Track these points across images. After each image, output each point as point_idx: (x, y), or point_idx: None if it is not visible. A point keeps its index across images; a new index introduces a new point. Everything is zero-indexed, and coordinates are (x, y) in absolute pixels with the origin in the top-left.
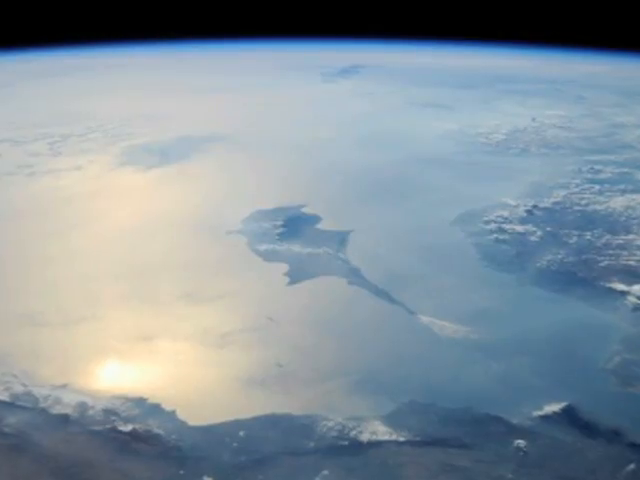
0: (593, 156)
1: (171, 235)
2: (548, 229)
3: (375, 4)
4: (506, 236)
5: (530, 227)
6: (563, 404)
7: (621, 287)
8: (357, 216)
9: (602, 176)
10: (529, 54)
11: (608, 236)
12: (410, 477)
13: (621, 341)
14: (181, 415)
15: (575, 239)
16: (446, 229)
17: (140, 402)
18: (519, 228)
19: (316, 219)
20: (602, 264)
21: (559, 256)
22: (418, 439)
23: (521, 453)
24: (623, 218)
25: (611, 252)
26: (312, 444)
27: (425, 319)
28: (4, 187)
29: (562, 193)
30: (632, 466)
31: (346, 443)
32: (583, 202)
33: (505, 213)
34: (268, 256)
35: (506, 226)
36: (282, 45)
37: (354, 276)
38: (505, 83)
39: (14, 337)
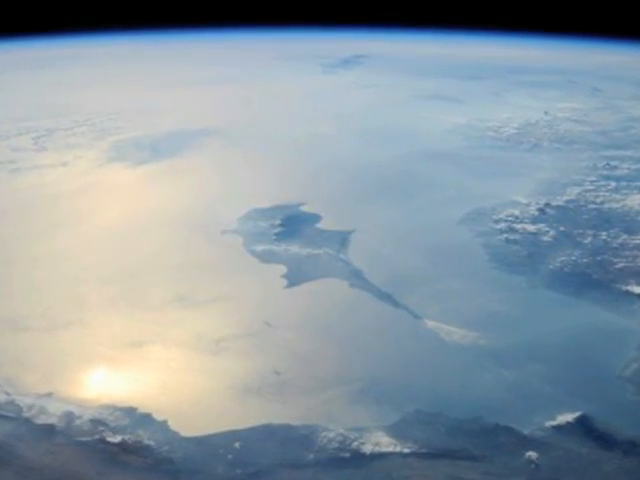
0: (609, 151)
1: (162, 235)
2: (561, 229)
3: None
4: (517, 236)
5: (542, 227)
6: (577, 414)
7: (638, 290)
8: (359, 215)
9: (618, 172)
10: (541, 43)
11: (625, 236)
12: None
13: (638, 347)
14: (173, 425)
15: (590, 239)
16: (453, 229)
17: (130, 412)
18: (530, 228)
19: (316, 218)
20: (618, 266)
21: (573, 257)
22: (424, 451)
23: (533, 465)
24: None
25: (628, 253)
26: (311, 456)
27: (431, 324)
28: None
29: (576, 191)
30: None
31: (347, 455)
32: (598, 200)
33: (516, 212)
34: (265, 257)
35: (517, 225)
36: (280, 34)
37: (356, 278)
38: (516, 74)
39: None
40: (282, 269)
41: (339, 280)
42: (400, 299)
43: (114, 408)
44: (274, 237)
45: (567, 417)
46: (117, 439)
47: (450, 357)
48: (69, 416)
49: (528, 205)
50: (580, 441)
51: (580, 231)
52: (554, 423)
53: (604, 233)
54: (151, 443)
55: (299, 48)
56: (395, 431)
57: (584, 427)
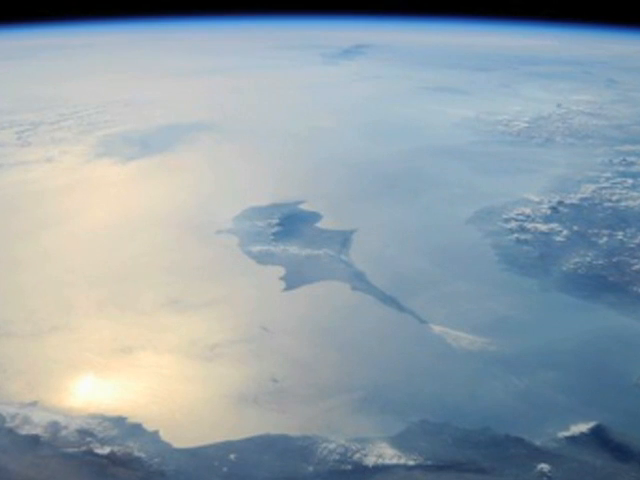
0: (625, 146)
1: (154, 235)
2: (575, 228)
3: None
4: (528, 236)
5: (555, 226)
6: (592, 424)
7: None
8: (361, 214)
9: (635, 169)
10: (554, 32)
11: None
12: None
13: None
14: (165, 436)
15: (605, 239)
16: (461, 228)
17: (119, 421)
18: (542, 227)
19: (316, 217)
20: (635, 267)
21: (587, 258)
22: (430, 463)
23: (545, 478)
24: None
25: None
26: (311, 468)
27: (438, 329)
28: None
29: (591, 188)
30: None
31: (349, 467)
32: (614, 198)
33: (527, 210)
34: (262, 258)
35: (528, 225)
36: (278, 22)
37: (358, 281)
38: (527, 65)
39: None
40: (280, 271)
41: (340, 283)
42: (405, 303)
43: (102, 418)
44: (271, 237)
45: (581, 427)
46: (105, 451)
47: (458, 364)
48: (55, 426)
49: (540, 203)
50: (595, 453)
51: (595, 231)
52: (567, 434)
53: (620, 233)
54: (141, 455)
55: (298, 37)
56: (399, 442)
57: (599, 438)
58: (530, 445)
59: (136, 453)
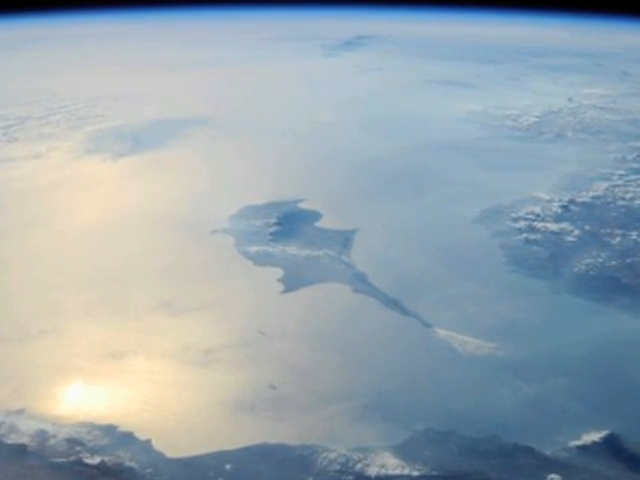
0: (639, 142)
1: (146, 235)
2: (587, 228)
3: None
4: (538, 236)
5: (566, 225)
6: (605, 432)
7: None
8: (363, 212)
9: None
10: (565, 23)
11: None
12: None
13: None
14: (157, 445)
15: (618, 239)
16: (467, 228)
17: (109, 430)
18: (553, 227)
19: (315, 216)
20: None
21: (599, 259)
22: (435, 473)
23: None
24: None
25: None
26: (311, 479)
27: (443, 333)
28: None
29: (603, 185)
30: None
31: (351, 478)
32: (628, 196)
33: (536, 209)
34: (259, 259)
35: (538, 224)
36: (276, 12)
37: (360, 282)
38: (537, 57)
39: None
40: (278, 272)
41: (341, 285)
42: (409, 306)
43: (92, 426)
44: (269, 237)
45: (593, 436)
46: (95, 460)
47: (464, 370)
48: (42, 435)
49: (550, 202)
50: (608, 462)
51: (608, 230)
52: (579, 443)
53: (634, 233)
54: (133, 465)
55: (296, 28)
56: (403, 451)
57: (612, 447)
58: (540, 455)
59: (127, 463)
